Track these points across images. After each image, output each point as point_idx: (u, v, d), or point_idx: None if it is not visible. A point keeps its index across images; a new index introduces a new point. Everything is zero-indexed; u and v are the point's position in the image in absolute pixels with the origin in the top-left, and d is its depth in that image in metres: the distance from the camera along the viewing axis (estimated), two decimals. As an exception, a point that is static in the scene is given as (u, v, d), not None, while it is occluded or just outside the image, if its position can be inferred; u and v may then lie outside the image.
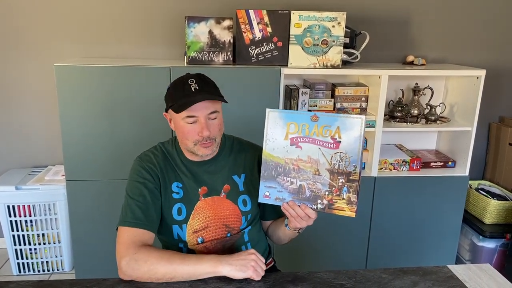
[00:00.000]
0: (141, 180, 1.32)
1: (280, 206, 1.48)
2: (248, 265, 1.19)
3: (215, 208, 1.36)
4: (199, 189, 1.36)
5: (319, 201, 1.20)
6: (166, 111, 1.35)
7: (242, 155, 1.44)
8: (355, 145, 1.17)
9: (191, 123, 1.27)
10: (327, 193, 1.19)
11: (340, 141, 1.17)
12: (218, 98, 1.29)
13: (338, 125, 1.17)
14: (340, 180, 1.18)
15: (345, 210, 1.19)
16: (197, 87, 1.27)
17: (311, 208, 1.21)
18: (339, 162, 1.18)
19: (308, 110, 2.48)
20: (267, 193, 1.24)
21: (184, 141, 1.31)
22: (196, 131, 1.28)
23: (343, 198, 1.19)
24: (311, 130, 1.19)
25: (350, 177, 1.18)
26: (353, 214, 1.19)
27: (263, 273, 1.22)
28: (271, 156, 1.22)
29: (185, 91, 1.26)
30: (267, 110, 1.22)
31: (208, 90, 1.29)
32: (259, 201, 1.25)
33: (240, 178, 1.41)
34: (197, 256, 1.23)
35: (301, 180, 1.21)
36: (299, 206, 1.21)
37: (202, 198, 1.36)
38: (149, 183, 1.32)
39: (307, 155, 1.20)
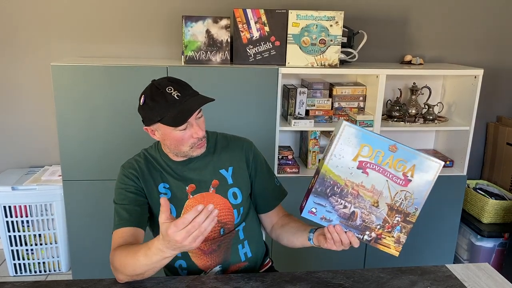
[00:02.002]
0: (123, 186, 1.34)
1: (276, 196, 1.47)
2: (185, 247, 1.05)
3: (204, 205, 1.35)
4: (187, 187, 1.36)
5: (367, 232, 1.14)
6: (149, 125, 1.30)
7: (227, 149, 1.43)
8: (424, 188, 1.10)
9: (184, 130, 1.25)
10: (378, 227, 1.13)
11: (411, 180, 1.10)
12: (210, 99, 1.26)
13: (414, 163, 1.09)
14: (396, 218, 1.12)
15: (390, 248, 1.15)
16: (179, 94, 1.23)
17: (357, 237, 1.15)
18: (402, 200, 1.11)
19: (306, 110, 2.48)
20: (314, 210, 1.14)
21: (179, 148, 1.29)
22: (190, 135, 1.27)
23: (392, 236, 1.14)
24: (385, 160, 1.09)
25: (407, 218, 1.12)
26: (396, 254, 1.15)
27: (206, 230, 1.06)
28: (331, 172, 1.11)
29: (170, 102, 1.22)
30: (344, 123, 1.08)
31: (191, 93, 1.26)
32: (302, 215, 1.17)
33: (228, 171, 1.40)
34: (144, 248, 1.12)
35: (356, 207, 1.13)
36: (345, 232, 1.15)
37: (191, 196, 1.35)
38: (131, 187, 1.33)
39: (371, 184, 1.11)
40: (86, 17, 2.56)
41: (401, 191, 1.11)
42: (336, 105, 2.50)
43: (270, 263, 1.54)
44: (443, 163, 1.10)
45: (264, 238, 1.55)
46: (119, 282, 1.22)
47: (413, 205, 1.11)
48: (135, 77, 2.17)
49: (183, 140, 1.27)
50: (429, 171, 1.10)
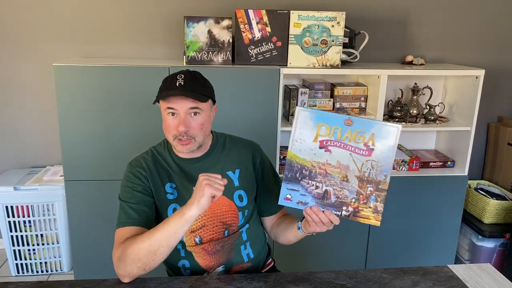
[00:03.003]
0: (131, 185, 1.33)
1: (282, 204, 1.49)
2: (202, 194, 1.14)
3: (211, 206, 1.35)
4: (193, 188, 1.36)
5: (344, 208, 1.16)
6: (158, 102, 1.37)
7: (235, 151, 1.44)
8: (388, 154, 1.12)
9: (172, 116, 1.28)
10: (353, 200, 1.15)
11: (373, 149, 1.13)
12: (192, 96, 1.26)
13: (373, 132, 1.12)
14: (369, 189, 1.14)
15: (370, 219, 1.16)
16: (182, 83, 1.27)
17: (335, 214, 1.17)
18: (370, 170, 1.13)
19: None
20: (289, 196, 1.18)
21: (166, 134, 1.33)
22: (175, 125, 1.28)
23: (369, 207, 1.15)
24: (344, 135, 1.13)
25: (380, 186, 1.14)
26: (378, 223, 1.16)
27: (221, 186, 1.16)
28: (296, 157, 1.16)
29: (170, 84, 1.28)
30: (298, 108, 1.15)
31: (191, 87, 1.28)
32: (279, 203, 1.20)
33: (235, 173, 1.41)
34: (163, 221, 1.19)
35: (327, 185, 1.15)
36: (323, 211, 1.17)
37: None
38: (138, 186, 1.33)
39: (336, 160, 1.14)
40: (88, 17, 2.56)
41: (366, 161, 1.13)
42: (337, 105, 2.50)
43: (272, 263, 1.54)
44: (400, 126, 1.12)
45: (266, 239, 1.55)
46: (123, 282, 1.23)
47: (382, 172, 1.13)
48: (137, 77, 2.17)
49: (168, 127, 1.30)
50: (388, 137, 1.12)
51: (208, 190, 1.13)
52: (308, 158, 1.15)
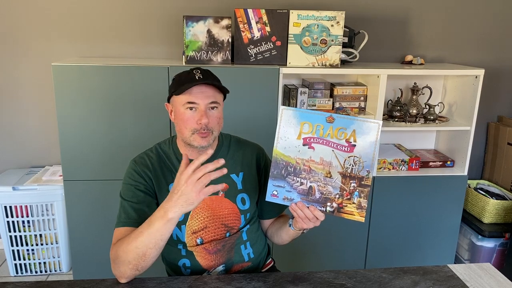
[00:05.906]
0: (133, 183, 1.32)
1: (280, 205, 1.49)
2: (191, 197, 1.09)
3: (213, 208, 1.35)
4: None
5: (328, 203, 1.18)
6: (169, 99, 1.35)
7: (239, 153, 1.43)
8: (370, 149, 1.15)
9: (190, 110, 1.27)
10: (337, 196, 1.18)
11: (355, 145, 1.16)
12: (218, 85, 1.29)
13: (354, 129, 1.15)
14: (352, 184, 1.17)
15: (354, 215, 1.17)
16: (201, 76, 1.28)
17: (320, 210, 1.19)
18: (352, 166, 1.16)
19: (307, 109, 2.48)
20: (275, 192, 1.21)
21: (183, 130, 1.29)
22: (195, 119, 1.27)
23: (353, 203, 1.17)
24: (326, 132, 1.17)
25: (363, 182, 1.16)
26: (362, 219, 1.18)
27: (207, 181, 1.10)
28: (282, 155, 1.19)
29: (189, 78, 1.27)
30: (281, 107, 1.19)
31: (211, 80, 1.30)
32: (266, 200, 1.22)
33: (238, 176, 1.40)
34: (147, 221, 1.16)
35: (312, 182, 1.18)
36: (308, 207, 1.19)
37: None
38: (141, 185, 1.31)
39: (319, 157, 1.17)
40: (87, 17, 2.56)
41: (348, 157, 1.17)
42: (337, 105, 2.50)
43: (272, 263, 1.54)
44: (381, 122, 1.15)
45: (266, 239, 1.55)
46: (121, 283, 1.22)
47: (364, 168, 1.16)
48: (136, 77, 2.16)
49: (187, 122, 1.27)
50: (370, 133, 1.15)
51: (201, 197, 1.08)
52: (292, 155, 1.19)
